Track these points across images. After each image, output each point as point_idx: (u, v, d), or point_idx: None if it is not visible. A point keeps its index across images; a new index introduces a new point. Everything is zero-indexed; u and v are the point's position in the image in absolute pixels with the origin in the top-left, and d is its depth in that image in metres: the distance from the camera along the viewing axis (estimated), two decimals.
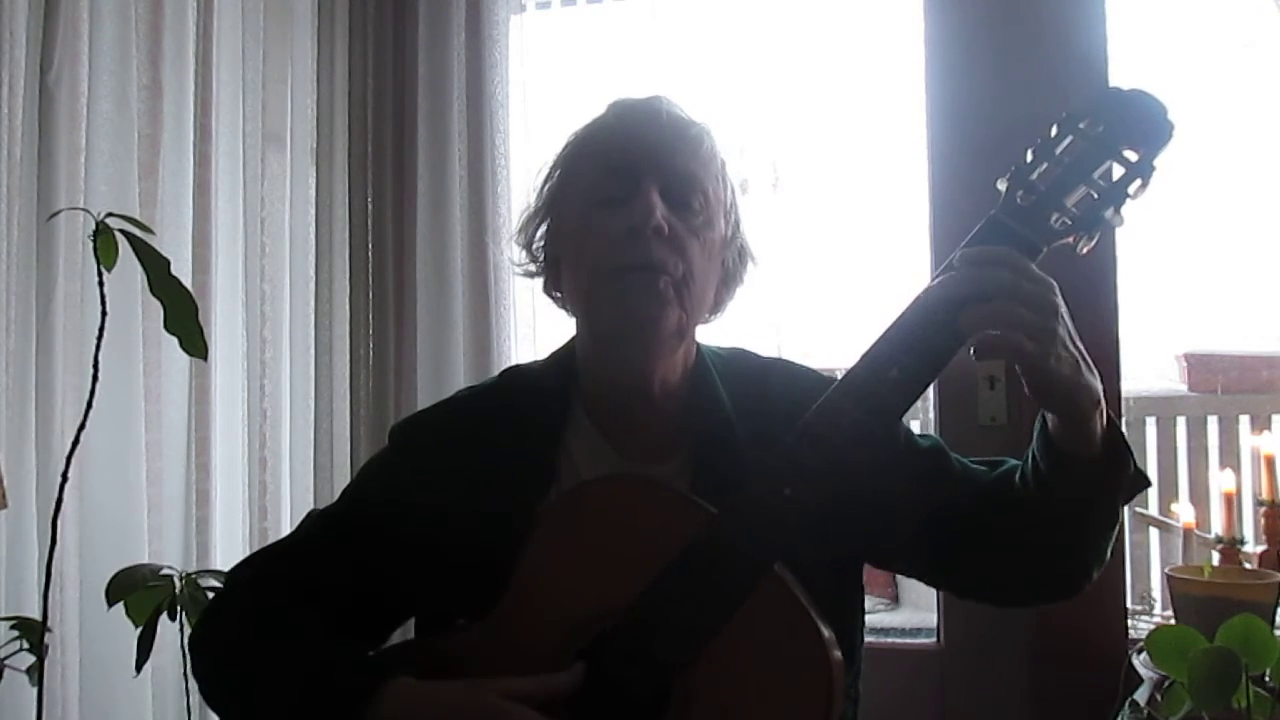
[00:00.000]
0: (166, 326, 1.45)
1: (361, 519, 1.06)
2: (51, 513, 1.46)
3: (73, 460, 1.47)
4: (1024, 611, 1.66)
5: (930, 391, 1.87)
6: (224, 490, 1.94)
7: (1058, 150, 0.86)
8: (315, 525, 1.10)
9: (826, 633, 0.84)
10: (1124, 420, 1.62)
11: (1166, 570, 1.63)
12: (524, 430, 1.05)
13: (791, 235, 2.67)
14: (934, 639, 1.94)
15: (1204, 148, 2.77)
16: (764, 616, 0.83)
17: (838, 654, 0.84)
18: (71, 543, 1.71)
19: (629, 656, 0.86)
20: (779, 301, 2.61)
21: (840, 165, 2.91)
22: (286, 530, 1.69)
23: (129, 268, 1.46)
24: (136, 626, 1.54)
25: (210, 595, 1.49)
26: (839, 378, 0.87)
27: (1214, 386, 3.78)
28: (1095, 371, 0.85)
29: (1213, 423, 3.36)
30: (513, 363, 1.70)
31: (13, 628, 1.52)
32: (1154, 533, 2.86)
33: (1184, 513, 1.79)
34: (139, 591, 1.53)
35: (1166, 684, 1.32)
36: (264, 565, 1.08)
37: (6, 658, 1.50)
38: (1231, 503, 1.70)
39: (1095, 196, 0.85)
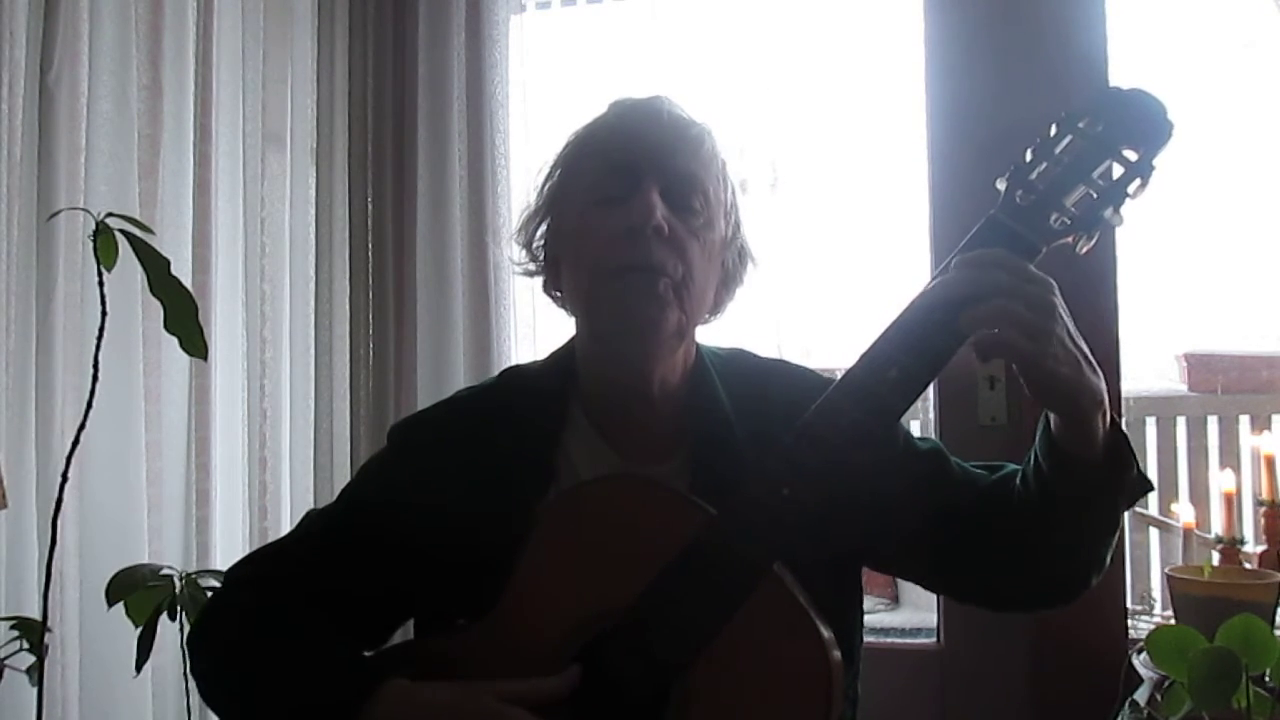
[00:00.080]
0: (166, 326, 1.45)
1: (360, 519, 1.06)
2: (51, 513, 1.46)
3: (73, 460, 1.47)
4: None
5: (930, 391, 1.87)
6: (224, 490, 1.94)
7: (1057, 150, 0.86)
8: (314, 525, 1.10)
9: (826, 633, 0.84)
10: (1124, 420, 1.62)
11: (1166, 570, 1.63)
12: (523, 430, 1.05)
13: (791, 235, 2.67)
14: (934, 639, 1.94)
15: (1204, 147, 2.77)
16: (763, 617, 0.83)
17: (837, 654, 0.84)
18: (71, 543, 1.70)
19: (628, 656, 0.86)
20: (779, 301, 2.61)
21: (840, 165, 2.91)
22: (286, 530, 1.69)
23: (129, 268, 1.46)
24: (136, 626, 1.54)
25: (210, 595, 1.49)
26: (838, 378, 0.87)
27: (1214, 386, 3.77)
28: (1099, 372, 0.85)
29: (1213, 423, 3.36)
30: (513, 363, 1.70)
31: (13, 628, 1.52)
32: (1154, 533, 2.86)
33: (1184, 513, 1.79)
34: (139, 591, 1.53)
35: (1166, 684, 1.32)
36: (263, 564, 1.08)
37: (6, 658, 1.50)
38: (1231, 503, 1.70)
39: (1094, 196, 0.84)
